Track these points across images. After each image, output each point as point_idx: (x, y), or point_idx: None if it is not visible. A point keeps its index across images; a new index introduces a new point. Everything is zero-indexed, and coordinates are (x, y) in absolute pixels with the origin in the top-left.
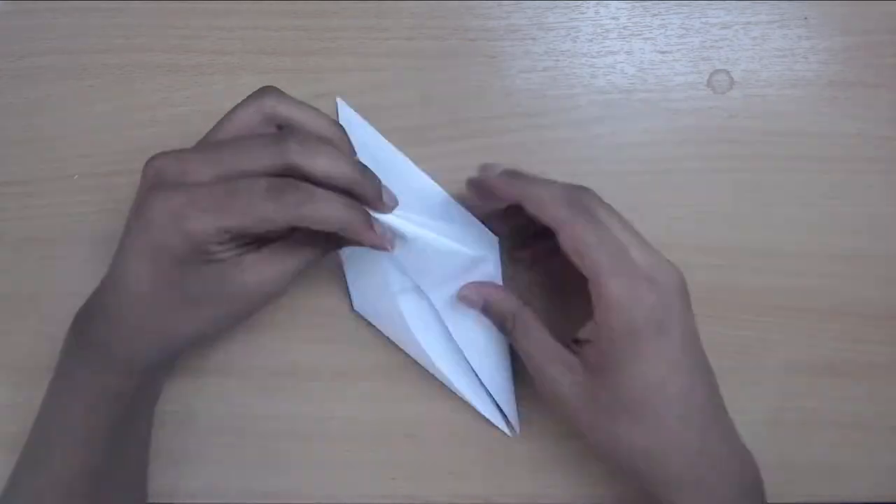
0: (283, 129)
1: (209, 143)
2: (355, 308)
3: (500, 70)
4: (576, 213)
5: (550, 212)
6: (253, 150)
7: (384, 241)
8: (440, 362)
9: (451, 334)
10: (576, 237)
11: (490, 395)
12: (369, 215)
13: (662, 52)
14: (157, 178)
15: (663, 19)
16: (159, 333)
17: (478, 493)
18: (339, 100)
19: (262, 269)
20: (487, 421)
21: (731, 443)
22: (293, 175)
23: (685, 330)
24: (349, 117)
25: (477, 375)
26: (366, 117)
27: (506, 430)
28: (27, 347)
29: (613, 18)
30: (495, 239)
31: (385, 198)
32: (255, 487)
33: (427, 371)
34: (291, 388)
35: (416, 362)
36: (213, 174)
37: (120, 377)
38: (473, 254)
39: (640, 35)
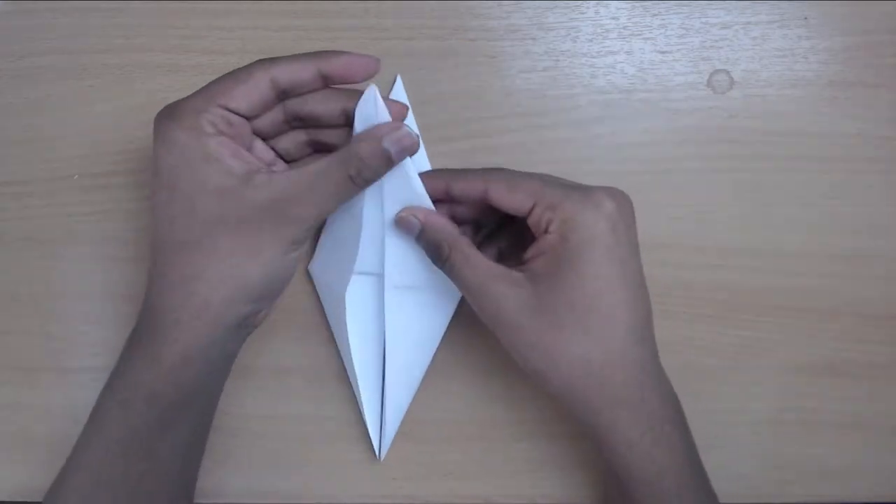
0: None
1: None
2: (309, 267)
3: (500, 70)
4: (511, 173)
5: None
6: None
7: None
8: (356, 354)
9: (380, 336)
10: (523, 186)
11: (381, 409)
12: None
13: (662, 52)
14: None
15: (663, 19)
16: (192, 308)
17: (478, 493)
18: (399, 77)
19: (278, 182)
20: (488, 421)
21: (660, 366)
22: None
23: (633, 243)
24: (398, 96)
25: (384, 386)
26: None
27: (376, 448)
28: (27, 347)
29: (613, 18)
30: None
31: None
32: (255, 487)
33: (425, 372)
34: (291, 388)
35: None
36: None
37: (152, 373)
38: None
39: (640, 35)
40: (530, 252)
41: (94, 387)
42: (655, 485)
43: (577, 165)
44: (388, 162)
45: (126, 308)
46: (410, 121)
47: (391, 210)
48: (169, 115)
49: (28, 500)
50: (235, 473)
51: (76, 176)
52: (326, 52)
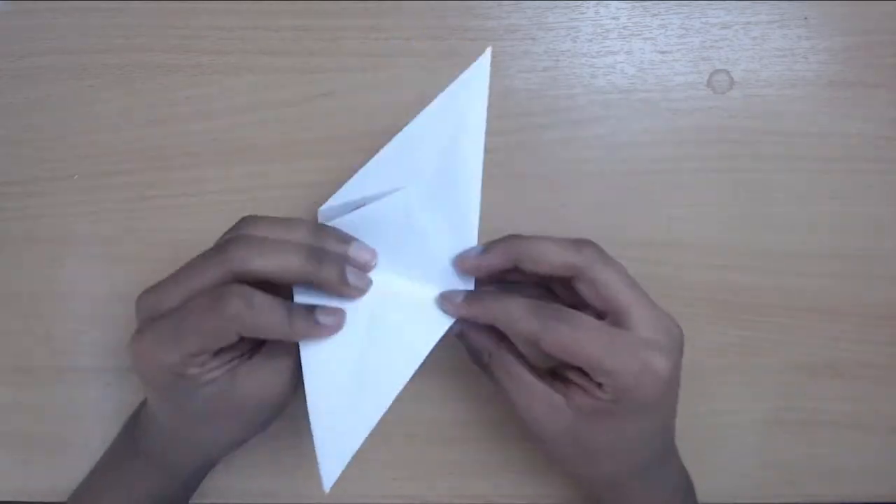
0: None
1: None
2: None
3: (500, 70)
4: (590, 262)
5: (561, 259)
6: (199, 266)
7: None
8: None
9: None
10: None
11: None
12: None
13: (662, 52)
14: (139, 315)
15: (663, 19)
16: (196, 446)
17: (478, 493)
18: (489, 50)
19: (257, 375)
20: (488, 421)
21: (671, 462)
22: (246, 280)
23: (674, 395)
24: (476, 87)
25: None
26: (365, 118)
27: (322, 479)
28: (27, 347)
29: (613, 18)
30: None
31: (350, 279)
32: (255, 487)
33: (426, 371)
34: None
35: None
36: (177, 300)
37: (166, 481)
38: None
39: (640, 35)
40: (573, 376)
41: (95, 387)
42: None
43: (577, 165)
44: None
45: (126, 308)
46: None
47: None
48: (152, 365)
49: (28, 500)
50: (235, 474)
51: (76, 176)
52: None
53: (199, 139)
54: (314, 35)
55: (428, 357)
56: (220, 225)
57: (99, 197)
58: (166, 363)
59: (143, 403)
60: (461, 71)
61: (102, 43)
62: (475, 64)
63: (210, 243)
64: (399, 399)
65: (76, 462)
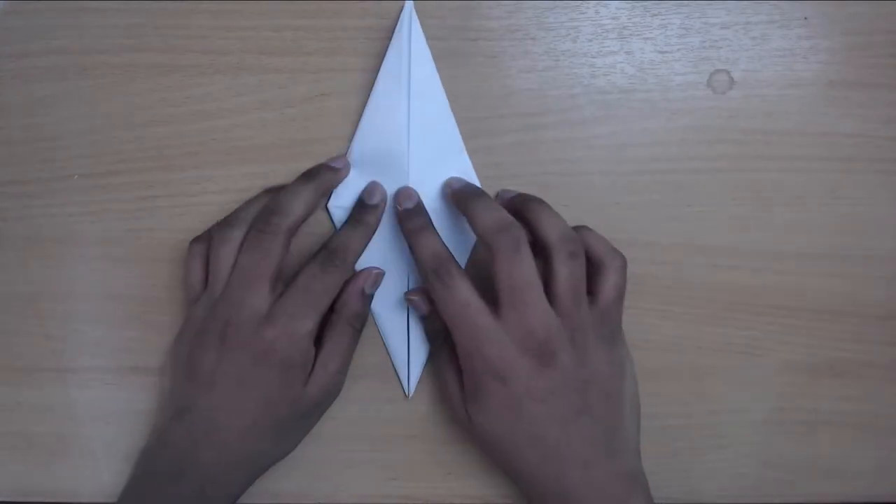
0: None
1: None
2: (330, 204)
3: (500, 70)
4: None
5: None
6: (264, 245)
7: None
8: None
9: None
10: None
11: (408, 350)
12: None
13: (662, 52)
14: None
15: (663, 19)
16: (255, 464)
17: (478, 493)
18: (409, 3)
19: (321, 378)
20: None
21: (609, 470)
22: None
23: (533, 381)
24: (412, 30)
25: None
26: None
27: (405, 387)
28: (27, 347)
29: (613, 18)
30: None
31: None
32: (255, 487)
33: (425, 371)
34: None
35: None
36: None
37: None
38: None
39: (640, 35)
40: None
41: (95, 386)
42: None
43: (577, 165)
44: (370, 300)
45: (126, 308)
46: (425, 51)
47: (421, 147)
48: (296, 348)
49: (28, 500)
50: None
51: (76, 176)
52: (313, 175)
53: (199, 139)
54: (314, 35)
55: (427, 359)
56: None
57: (99, 197)
58: (303, 332)
59: (159, 444)
60: (457, 69)
61: (102, 43)
62: (399, 22)
63: None
64: (399, 399)
65: (76, 462)
